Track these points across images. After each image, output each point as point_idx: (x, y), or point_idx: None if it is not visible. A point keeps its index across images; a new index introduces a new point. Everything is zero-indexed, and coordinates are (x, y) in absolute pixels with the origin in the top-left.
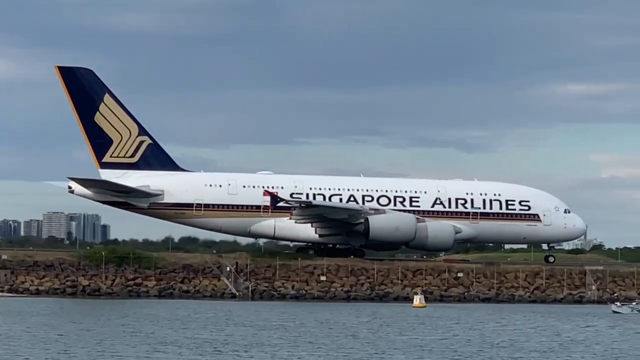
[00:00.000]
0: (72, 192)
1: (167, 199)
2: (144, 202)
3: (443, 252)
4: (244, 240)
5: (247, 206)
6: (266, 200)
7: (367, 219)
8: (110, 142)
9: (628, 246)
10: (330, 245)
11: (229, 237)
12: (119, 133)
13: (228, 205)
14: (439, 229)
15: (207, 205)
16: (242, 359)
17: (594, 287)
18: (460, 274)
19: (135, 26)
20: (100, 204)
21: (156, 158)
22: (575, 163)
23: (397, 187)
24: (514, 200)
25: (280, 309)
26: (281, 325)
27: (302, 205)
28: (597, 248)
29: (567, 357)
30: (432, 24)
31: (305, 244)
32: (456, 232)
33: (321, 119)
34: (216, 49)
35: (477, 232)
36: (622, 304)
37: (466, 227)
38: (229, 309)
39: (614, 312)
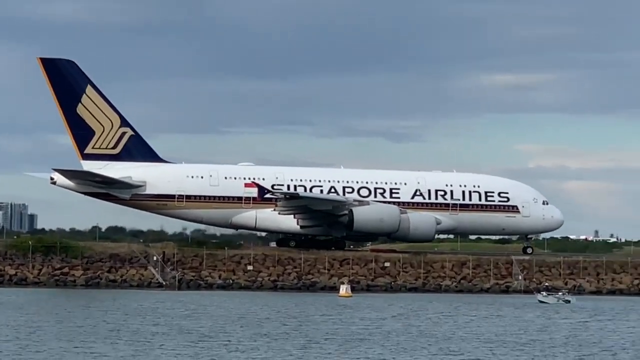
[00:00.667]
0: (54, 183)
1: (149, 190)
2: (126, 194)
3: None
4: (171, 230)
5: (228, 197)
6: (247, 192)
7: (351, 211)
8: (92, 133)
9: (555, 236)
10: (310, 237)
11: (156, 227)
12: (101, 124)
13: (209, 197)
14: (421, 220)
15: (188, 197)
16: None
17: (520, 277)
18: (387, 264)
19: (63, 15)
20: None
21: (138, 149)
22: (502, 153)
23: (377, 178)
24: (493, 192)
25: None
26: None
27: (287, 196)
28: (522, 239)
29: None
30: (359, 13)
31: (284, 235)
32: (437, 224)
33: (249, 109)
34: (142, 39)
35: (457, 224)
36: (548, 294)
37: (446, 219)
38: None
39: (540, 301)
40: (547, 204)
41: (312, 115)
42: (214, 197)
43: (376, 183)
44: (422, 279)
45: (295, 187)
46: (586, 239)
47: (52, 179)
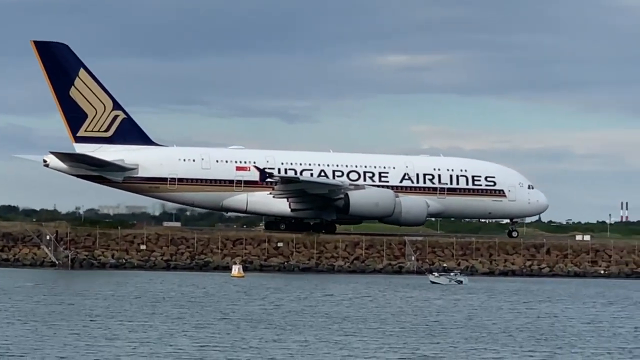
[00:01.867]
0: (46, 165)
1: (142, 173)
2: (119, 176)
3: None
4: (64, 209)
5: (220, 180)
6: (239, 175)
7: (347, 195)
8: (85, 116)
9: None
10: (301, 220)
11: (49, 206)
12: (94, 107)
13: (201, 180)
14: (413, 205)
15: (180, 180)
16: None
17: (413, 258)
18: (280, 244)
19: None
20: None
21: (130, 132)
22: (396, 134)
23: (366, 162)
24: (480, 176)
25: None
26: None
27: (286, 180)
28: None
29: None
30: None
31: (274, 218)
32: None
33: (143, 89)
34: (32, 17)
35: (444, 207)
36: (440, 275)
37: (434, 202)
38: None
39: (432, 282)
40: (532, 188)
41: (206, 95)
42: (206, 180)
43: (365, 167)
44: (315, 259)
45: (285, 170)
46: (478, 220)
47: (45, 161)
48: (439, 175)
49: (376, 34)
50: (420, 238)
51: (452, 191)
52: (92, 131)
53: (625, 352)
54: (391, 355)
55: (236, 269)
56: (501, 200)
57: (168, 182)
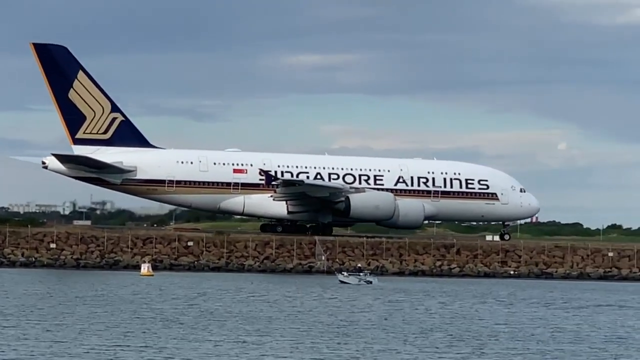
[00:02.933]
0: (45, 167)
1: (140, 175)
2: (117, 178)
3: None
4: None
5: (217, 183)
6: (236, 178)
7: (347, 198)
8: (84, 118)
9: None
10: (297, 222)
11: None
12: (92, 110)
13: (199, 182)
14: (410, 208)
15: (178, 182)
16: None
17: (323, 257)
18: (190, 243)
19: None
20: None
21: (128, 135)
22: (307, 133)
23: (361, 165)
24: (473, 180)
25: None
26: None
27: (289, 183)
28: None
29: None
30: None
31: (270, 220)
32: None
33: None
34: None
35: (438, 210)
36: (350, 274)
37: (428, 205)
38: None
39: (341, 282)
40: (524, 191)
41: (117, 92)
42: (203, 182)
43: (360, 170)
44: (225, 259)
45: (282, 173)
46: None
47: (43, 163)
48: (433, 179)
49: (288, 34)
50: (330, 238)
51: (445, 194)
52: (90, 133)
53: (540, 353)
54: (306, 355)
55: (145, 268)
56: (494, 204)
57: (166, 185)
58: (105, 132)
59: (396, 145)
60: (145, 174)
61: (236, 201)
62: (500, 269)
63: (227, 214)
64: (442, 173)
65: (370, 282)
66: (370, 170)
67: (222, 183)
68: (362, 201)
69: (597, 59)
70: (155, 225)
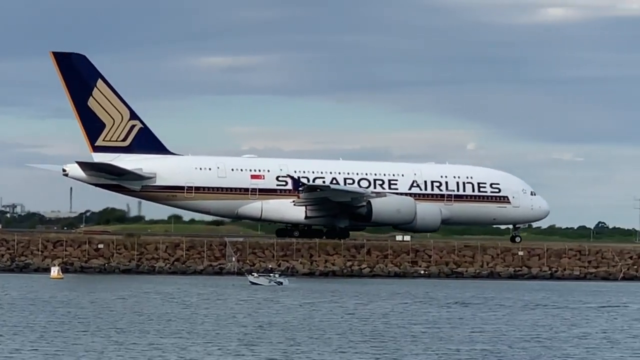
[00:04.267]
0: (66, 175)
1: (159, 182)
2: (137, 185)
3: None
4: None
5: (235, 189)
6: (253, 183)
7: (369, 202)
8: (103, 126)
9: None
10: (314, 227)
11: None
12: (111, 117)
13: (217, 188)
14: (428, 212)
15: (197, 188)
16: None
17: (234, 259)
18: (101, 246)
19: None
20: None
21: (147, 142)
22: (216, 135)
23: (376, 170)
24: (485, 183)
25: None
26: None
27: (314, 188)
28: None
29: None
30: None
31: (286, 225)
32: None
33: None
34: None
35: (451, 214)
36: (260, 275)
37: (443, 209)
38: None
39: (252, 283)
40: (534, 194)
41: (18, 96)
42: (222, 188)
43: (375, 175)
44: (135, 261)
45: (308, 179)
46: None
47: (64, 170)
48: (446, 183)
49: (197, 35)
50: (241, 239)
51: (458, 198)
52: (110, 140)
53: (457, 354)
54: (224, 357)
55: (55, 271)
56: (505, 207)
57: (185, 191)
58: (125, 139)
59: (305, 146)
60: (164, 180)
61: (254, 206)
62: (410, 268)
63: (246, 220)
64: (454, 177)
65: (281, 283)
66: (384, 175)
67: (240, 189)
68: (383, 205)
69: (505, 59)
70: (65, 228)
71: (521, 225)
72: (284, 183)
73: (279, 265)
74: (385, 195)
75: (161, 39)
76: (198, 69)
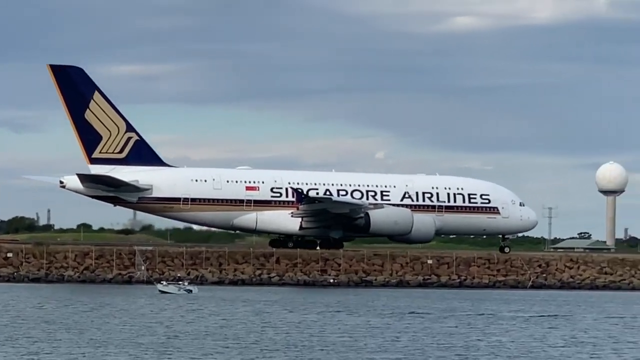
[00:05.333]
0: (63, 186)
1: (156, 194)
2: (134, 197)
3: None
4: None
5: (230, 200)
6: (248, 195)
7: (367, 214)
8: (100, 138)
9: (177, 227)
10: (308, 238)
11: None
12: (108, 130)
13: (213, 200)
14: (422, 223)
15: (193, 200)
16: None
17: (143, 267)
18: (9, 254)
19: None
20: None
21: (143, 154)
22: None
23: (368, 181)
24: (475, 194)
25: None
26: None
27: (315, 200)
28: (147, 228)
29: None
30: None
31: (279, 236)
32: None
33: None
34: None
35: (443, 224)
36: (169, 283)
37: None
38: None
39: (161, 291)
40: (523, 205)
41: None
42: (217, 199)
43: (367, 186)
44: (44, 269)
45: (302, 190)
46: (209, 229)
47: (61, 182)
48: (437, 194)
49: (107, 44)
50: (150, 248)
51: (449, 209)
52: (106, 152)
53: None
54: None
55: None
56: (495, 217)
57: (181, 202)
58: (121, 151)
59: (215, 154)
60: (161, 192)
61: (249, 218)
62: (320, 277)
63: (241, 231)
64: (445, 188)
65: (190, 291)
66: (377, 186)
67: (235, 200)
68: (381, 217)
69: (414, 67)
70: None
71: (510, 236)
72: (278, 194)
73: (188, 274)
74: (382, 207)
75: (70, 47)
76: (110, 78)
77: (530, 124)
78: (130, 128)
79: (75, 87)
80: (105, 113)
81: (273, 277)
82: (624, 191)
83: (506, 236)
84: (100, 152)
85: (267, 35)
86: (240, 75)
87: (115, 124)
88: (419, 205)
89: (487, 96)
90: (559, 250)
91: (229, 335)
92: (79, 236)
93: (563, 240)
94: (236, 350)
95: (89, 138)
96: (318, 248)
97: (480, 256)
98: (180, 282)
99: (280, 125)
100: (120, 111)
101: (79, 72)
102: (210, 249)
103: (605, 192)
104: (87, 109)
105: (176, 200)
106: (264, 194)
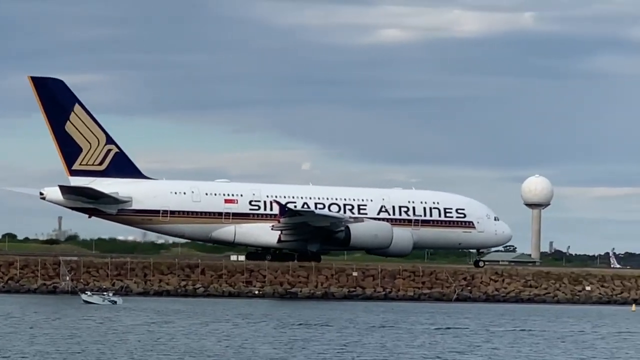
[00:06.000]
0: (43, 198)
1: (135, 206)
2: (113, 209)
3: None
4: None
5: (209, 213)
6: (227, 208)
7: (347, 227)
8: (80, 150)
9: (102, 237)
10: (286, 251)
11: None
12: (88, 142)
13: (192, 212)
14: (400, 237)
15: (172, 212)
16: None
17: (68, 278)
18: None
19: None
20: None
21: (123, 166)
22: (49, 154)
23: (345, 195)
24: (451, 209)
25: None
26: None
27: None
28: (72, 239)
29: None
30: None
31: (256, 249)
32: None
33: None
34: None
35: (419, 238)
36: (93, 294)
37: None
38: None
39: (85, 302)
40: (497, 220)
41: None
42: (196, 212)
43: (345, 199)
44: None
45: (271, 203)
46: (134, 239)
47: (41, 194)
48: (414, 208)
49: (32, 54)
50: (75, 258)
51: (425, 223)
52: (86, 164)
53: None
54: None
55: None
56: (471, 232)
57: (160, 215)
58: (101, 163)
59: (141, 165)
60: (140, 204)
61: (227, 230)
62: (245, 288)
63: (219, 244)
64: (421, 202)
65: (115, 302)
66: (354, 200)
67: (214, 213)
68: (361, 230)
69: (340, 79)
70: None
71: (484, 250)
72: (256, 207)
73: (113, 285)
74: (362, 220)
75: None
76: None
77: (456, 137)
78: (110, 140)
79: (55, 99)
80: (86, 125)
81: (198, 288)
82: (549, 204)
83: (480, 250)
84: (80, 164)
85: (194, 47)
86: (165, 86)
87: (96, 136)
88: (396, 219)
89: (413, 109)
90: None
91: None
92: (4, 246)
93: (488, 253)
94: None
95: (69, 150)
96: (296, 261)
97: (406, 268)
98: (105, 293)
99: (207, 137)
100: (101, 123)
101: (60, 84)
102: (135, 260)
103: (531, 205)
104: (68, 121)
105: (155, 212)
106: (243, 207)
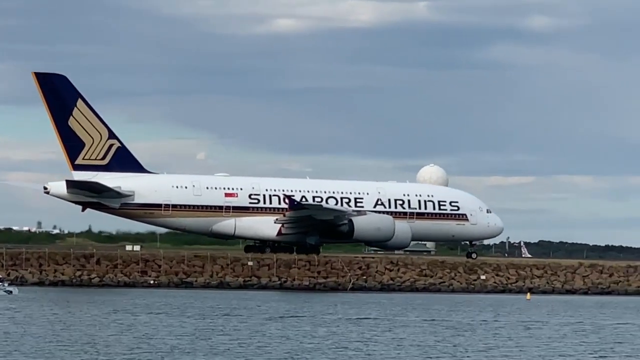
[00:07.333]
0: (47, 192)
1: (138, 200)
2: (116, 203)
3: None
4: None
5: (210, 206)
6: (227, 201)
7: (350, 220)
8: (83, 145)
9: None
10: (284, 244)
11: None
12: (91, 136)
13: (193, 206)
14: (400, 229)
15: (174, 206)
16: None
17: None
18: None
19: None
20: None
21: (125, 160)
22: None
23: (342, 188)
24: (445, 201)
25: None
26: None
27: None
28: None
29: None
30: None
31: (254, 242)
32: None
33: None
34: None
35: (414, 231)
36: None
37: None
38: None
39: None
40: (490, 212)
41: None
42: (197, 206)
43: (342, 193)
44: None
45: (270, 196)
46: (29, 230)
47: (45, 188)
48: (409, 201)
49: None
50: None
51: (420, 215)
52: (89, 159)
53: None
54: None
55: None
56: (464, 224)
57: (162, 208)
58: (103, 158)
59: (36, 156)
60: (143, 198)
61: (227, 224)
62: (140, 278)
63: (220, 237)
64: (416, 195)
65: (11, 292)
66: (350, 193)
67: (215, 206)
68: (364, 223)
69: (235, 69)
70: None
71: (477, 242)
72: (256, 201)
73: (9, 274)
74: (365, 214)
75: None
76: None
77: (351, 127)
78: (112, 135)
79: (59, 95)
80: (88, 120)
81: (93, 278)
82: None
83: (473, 242)
84: (83, 159)
85: (87, 37)
86: None
87: (98, 131)
88: (391, 212)
89: (308, 99)
90: (379, 252)
91: None
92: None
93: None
94: None
95: (72, 145)
96: (295, 254)
97: (301, 258)
98: (0, 283)
99: None
100: (103, 119)
101: (63, 79)
102: (30, 250)
103: None
104: (71, 116)
105: (157, 206)
106: (243, 200)
